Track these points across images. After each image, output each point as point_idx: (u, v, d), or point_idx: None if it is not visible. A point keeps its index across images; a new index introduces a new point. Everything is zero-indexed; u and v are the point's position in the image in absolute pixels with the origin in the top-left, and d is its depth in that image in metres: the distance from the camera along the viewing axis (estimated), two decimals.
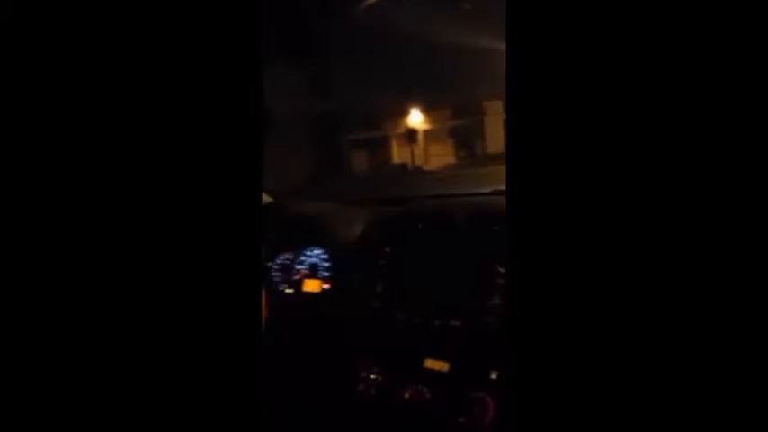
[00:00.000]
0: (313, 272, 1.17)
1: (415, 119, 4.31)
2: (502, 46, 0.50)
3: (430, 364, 0.92)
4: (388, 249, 1.04)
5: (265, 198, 1.33)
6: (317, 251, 1.18)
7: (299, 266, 1.19)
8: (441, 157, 4.31)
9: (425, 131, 4.33)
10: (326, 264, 1.16)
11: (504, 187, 0.50)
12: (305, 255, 1.19)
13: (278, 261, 1.22)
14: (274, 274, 1.21)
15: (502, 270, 0.89)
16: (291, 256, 1.21)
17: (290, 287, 1.18)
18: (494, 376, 0.83)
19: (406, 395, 0.90)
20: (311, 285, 1.15)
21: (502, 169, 0.51)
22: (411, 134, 4.34)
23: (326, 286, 1.13)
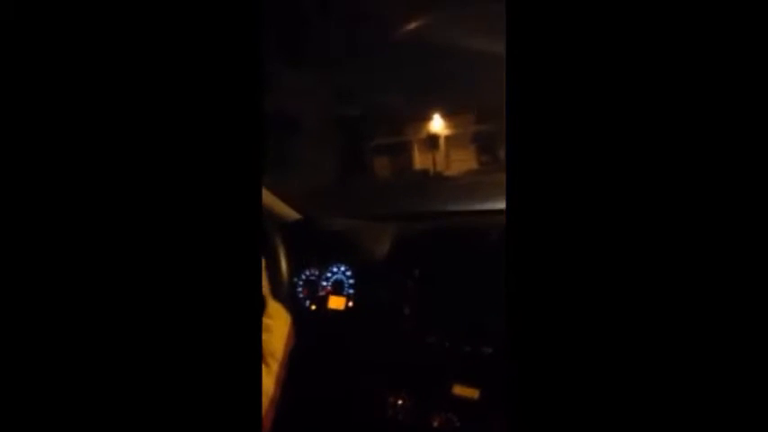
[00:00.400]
0: (338, 289, 1.15)
1: (437, 124, 4.26)
2: None
3: (459, 390, 0.89)
4: (416, 270, 1.02)
5: (291, 214, 1.32)
6: (342, 268, 1.17)
7: (324, 283, 1.18)
8: (463, 162, 4.26)
9: (447, 137, 4.29)
10: (352, 281, 1.14)
11: None
12: (330, 271, 1.18)
13: (303, 277, 1.21)
14: (299, 290, 1.19)
15: None
16: (317, 273, 1.19)
17: (314, 304, 1.16)
18: None
19: (435, 423, 0.88)
20: (336, 303, 1.14)
21: None
22: (433, 139, 4.30)
23: (352, 304, 1.12)
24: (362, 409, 0.97)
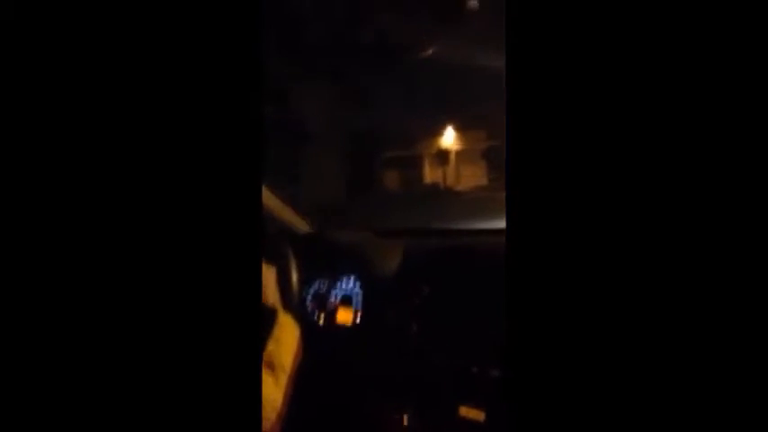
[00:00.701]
0: (347, 303, 1.15)
1: (449, 139, 4.29)
2: None
3: (465, 411, 0.89)
4: (425, 289, 1.02)
5: (303, 225, 1.33)
6: (351, 282, 1.17)
7: (333, 296, 1.18)
8: (472, 178, 4.27)
9: (458, 152, 4.31)
10: (361, 295, 1.15)
11: None
12: (340, 285, 1.18)
13: (312, 290, 1.21)
14: (308, 302, 1.20)
15: None
16: (326, 286, 1.20)
17: (323, 317, 1.17)
18: None
19: None
20: (344, 317, 1.14)
21: None
22: (443, 154, 4.32)
23: (360, 319, 1.12)
24: (368, 426, 0.96)
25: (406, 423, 0.91)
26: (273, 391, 0.75)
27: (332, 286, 1.19)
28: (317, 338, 1.12)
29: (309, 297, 1.21)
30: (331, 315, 1.15)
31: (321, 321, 1.16)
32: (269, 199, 1.24)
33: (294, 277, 1.09)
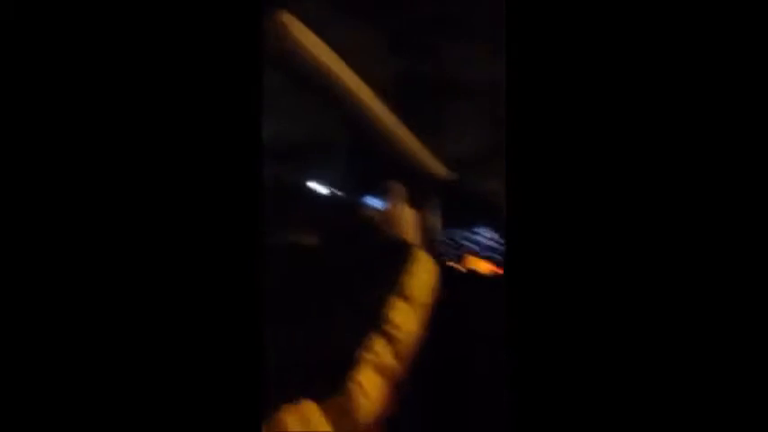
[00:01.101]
0: (483, 252, 1.16)
1: None
2: None
3: None
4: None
5: (447, 173, 1.34)
6: (489, 232, 1.17)
7: (468, 243, 1.19)
8: None
9: None
10: (498, 247, 1.14)
11: None
12: (476, 233, 1.19)
13: (449, 236, 1.24)
14: (446, 246, 1.23)
15: None
16: (463, 233, 1.21)
17: (458, 262, 1.19)
18: None
19: None
20: (479, 265, 1.15)
21: None
22: None
23: (495, 271, 1.12)
24: (485, 379, 0.98)
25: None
26: (408, 321, 0.80)
27: (471, 235, 1.20)
28: (453, 283, 1.15)
29: (447, 242, 1.23)
30: (466, 263, 1.17)
31: (457, 267, 1.19)
32: (415, 146, 1.27)
33: (434, 221, 1.12)
